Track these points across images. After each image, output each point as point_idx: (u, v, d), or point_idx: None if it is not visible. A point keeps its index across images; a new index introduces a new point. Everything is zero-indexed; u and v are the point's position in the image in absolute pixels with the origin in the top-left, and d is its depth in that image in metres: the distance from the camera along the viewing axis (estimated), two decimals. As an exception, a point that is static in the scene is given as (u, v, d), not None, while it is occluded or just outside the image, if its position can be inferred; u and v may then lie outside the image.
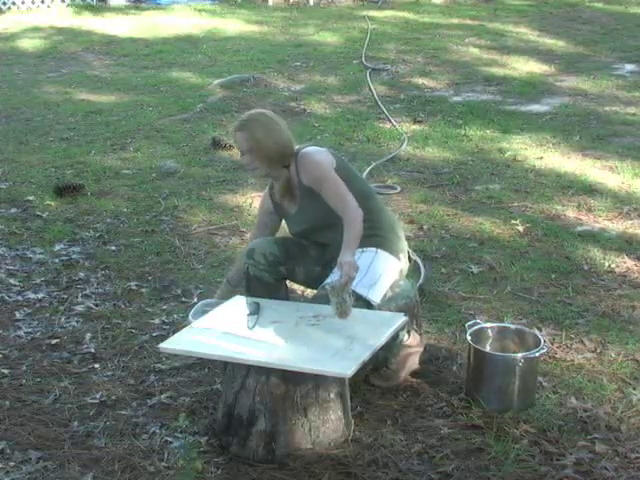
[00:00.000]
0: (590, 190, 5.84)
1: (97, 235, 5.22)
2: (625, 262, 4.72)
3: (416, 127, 7.47)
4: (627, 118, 7.64)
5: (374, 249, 3.51)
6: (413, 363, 3.63)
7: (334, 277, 3.46)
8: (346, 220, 3.41)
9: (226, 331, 3.24)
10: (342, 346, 3.07)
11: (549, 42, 11.12)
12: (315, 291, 3.65)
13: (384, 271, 3.49)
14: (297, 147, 3.62)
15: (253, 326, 3.27)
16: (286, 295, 3.70)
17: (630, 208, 5.50)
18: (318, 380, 3.07)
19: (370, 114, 7.86)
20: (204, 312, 3.51)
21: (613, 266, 4.66)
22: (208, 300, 3.83)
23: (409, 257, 3.72)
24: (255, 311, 3.38)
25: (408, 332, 3.59)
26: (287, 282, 3.73)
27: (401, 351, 3.56)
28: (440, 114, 7.86)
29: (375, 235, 3.53)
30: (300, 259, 3.62)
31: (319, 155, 3.57)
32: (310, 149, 3.60)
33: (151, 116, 7.97)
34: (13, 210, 5.66)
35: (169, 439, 3.20)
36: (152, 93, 8.90)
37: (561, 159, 6.52)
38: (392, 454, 3.10)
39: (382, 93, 8.50)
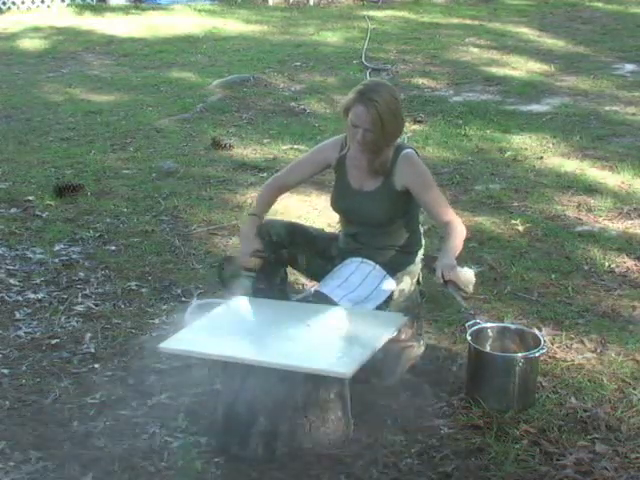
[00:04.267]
0: (590, 190, 5.84)
1: (97, 235, 5.22)
2: (625, 262, 4.73)
3: (416, 127, 7.47)
4: (627, 118, 7.64)
5: (372, 264, 3.51)
6: (409, 358, 3.62)
7: (328, 280, 3.47)
8: (453, 230, 3.40)
9: (226, 331, 3.24)
10: (342, 346, 3.07)
11: (549, 42, 11.12)
12: (316, 283, 3.64)
13: (375, 290, 3.46)
14: (398, 140, 3.54)
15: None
16: (283, 282, 3.68)
17: (630, 208, 5.50)
18: (318, 380, 3.07)
19: (370, 114, 7.85)
20: (201, 312, 3.50)
21: (613, 266, 4.67)
22: (202, 300, 3.82)
23: (418, 281, 3.71)
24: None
25: None
26: (288, 282, 3.73)
27: (393, 346, 3.56)
28: (440, 114, 7.86)
29: (386, 249, 3.53)
30: (304, 248, 3.61)
31: (422, 163, 3.56)
32: (414, 152, 3.54)
33: (151, 116, 7.97)
34: (13, 210, 5.66)
35: (169, 439, 3.20)
36: (152, 93, 8.90)
37: (561, 159, 6.52)
38: (392, 454, 3.10)
39: (382, 93, 8.49)
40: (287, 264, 3.68)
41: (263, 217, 3.65)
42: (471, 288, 3.37)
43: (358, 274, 3.45)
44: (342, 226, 3.75)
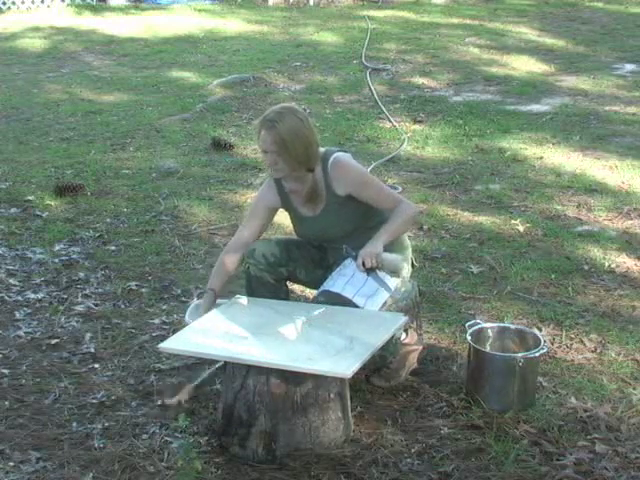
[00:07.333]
0: (590, 190, 5.84)
1: (97, 235, 5.22)
2: (625, 262, 4.72)
3: (416, 127, 7.47)
4: (627, 118, 7.64)
5: None
6: (413, 361, 3.63)
7: (332, 281, 3.46)
8: (397, 210, 3.40)
9: (226, 331, 3.24)
10: (342, 346, 3.07)
11: (549, 42, 11.12)
12: (316, 291, 3.64)
13: (382, 284, 3.44)
14: (322, 150, 3.50)
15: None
16: (286, 295, 3.69)
17: (630, 208, 5.50)
18: (318, 380, 3.07)
19: (370, 114, 7.86)
20: (200, 312, 3.50)
21: (613, 266, 4.66)
22: (202, 300, 3.83)
23: (412, 264, 3.71)
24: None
25: (405, 330, 3.59)
26: (288, 282, 3.72)
27: (400, 350, 3.56)
28: (440, 114, 7.86)
29: None
30: (302, 262, 3.60)
31: (352, 161, 3.52)
32: (341, 156, 3.48)
33: (151, 116, 7.97)
34: (13, 210, 5.66)
35: (169, 439, 3.20)
36: (152, 93, 8.90)
37: (561, 159, 6.52)
38: (392, 454, 3.10)
39: (382, 93, 8.50)
40: (287, 280, 3.67)
41: (220, 290, 3.57)
42: (400, 274, 3.36)
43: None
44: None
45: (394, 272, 3.34)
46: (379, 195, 3.46)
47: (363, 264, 3.27)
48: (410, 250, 3.68)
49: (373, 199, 3.45)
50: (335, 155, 3.48)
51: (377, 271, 3.31)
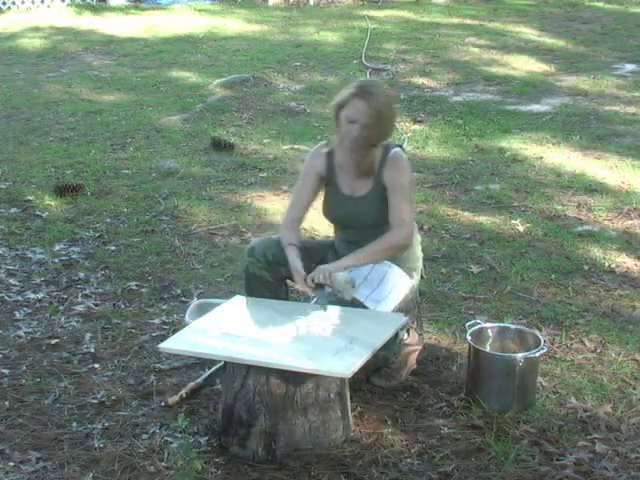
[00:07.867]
0: (590, 190, 5.84)
1: (97, 235, 5.22)
2: (625, 262, 4.72)
3: (416, 127, 7.47)
4: (627, 118, 7.64)
5: (388, 263, 3.50)
6: (413, 361, 3.64)
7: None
8: (387, 236, 3.41)
9: (226, 331, 3.24)
10: (342, 346, 3.07)
11: (549, 42, 11.12)
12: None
13: (394, 287, 3.45)
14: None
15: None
16: (286, 295, 3.69)
17: (630, 208, 5.50)
18: (318, 380, 3.07)
19: (370, 114, 7.84)
20: (200, 312, 3.51)
21: (613, 266, 4.67)
22: (201, 300, 3.82)
23: (422, 275, 3.72)
24: None
25: (407, 331, 3.60)
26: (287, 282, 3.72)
27: (402, 350, 3.56)
28: (440, 114, 7.86)
29: None
30: (302, 261, 3.60)
31: (408, 165, 3.56)
32: (401, 152, 3.54)
33: (151, 116, 7.97)
34: (13, 210, 5.66)
35: (169, 439, 3.20)
36: (152, 93, 8.90)
37: (561, 159, 6.52)
38: (392, 454, 3.10)
39: (382, 93, 8.49)
40: (286, 279, 3.66)
41: (299, 243, 3.57)
42: (346, 295, 3.34)
43: (375, 274, 3.44)
44: (337, 232, 3.74)
45: (340, 292, 3.34)
46: (397, 207, 3.45)
47: (313, 279, 3.32)
48: (421, 262, 3.68)
49: (391, 205, 3.45)
50: (398, 149, 3.54)
51: (325, 288, 3.33)
